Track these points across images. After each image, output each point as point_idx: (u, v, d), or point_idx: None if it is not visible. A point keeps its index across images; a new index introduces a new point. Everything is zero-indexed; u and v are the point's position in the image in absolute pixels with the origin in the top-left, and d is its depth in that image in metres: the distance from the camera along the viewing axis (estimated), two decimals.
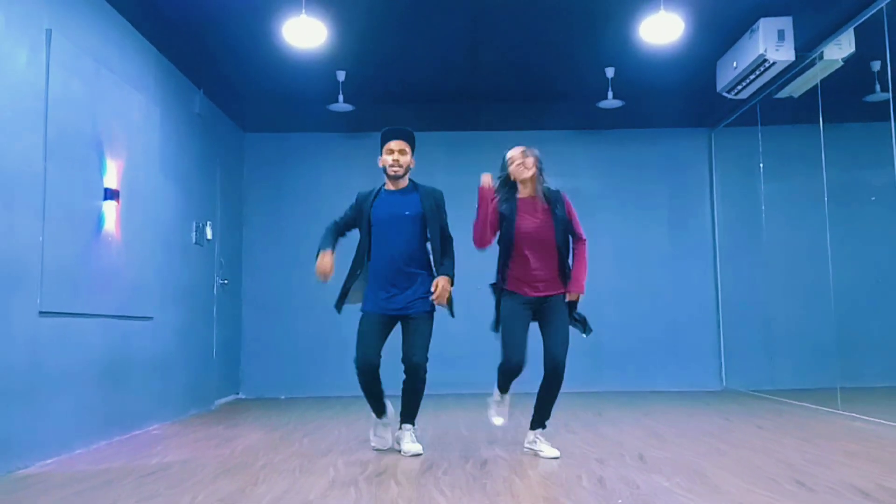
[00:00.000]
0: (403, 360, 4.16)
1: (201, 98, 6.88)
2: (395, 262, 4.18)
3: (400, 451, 4.24)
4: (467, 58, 6.58)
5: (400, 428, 4.31)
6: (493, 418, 4.30)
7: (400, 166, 4.23)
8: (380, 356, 4.15)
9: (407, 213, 4.22)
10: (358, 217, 4.32)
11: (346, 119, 7.68)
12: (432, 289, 4.15)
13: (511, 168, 4.09)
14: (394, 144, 4.24)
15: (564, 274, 4.12)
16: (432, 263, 4.29)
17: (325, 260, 4.15)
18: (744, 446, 4.34)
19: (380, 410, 4.35)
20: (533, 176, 4.09)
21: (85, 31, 4.74)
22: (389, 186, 4.32)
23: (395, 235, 4.20)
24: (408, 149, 4.28)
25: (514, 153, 4.11)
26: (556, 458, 4.01)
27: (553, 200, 4.10)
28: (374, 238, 4.24)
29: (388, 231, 4.22)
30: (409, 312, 4.17)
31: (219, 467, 3.90)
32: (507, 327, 4.06)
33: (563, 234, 4.10)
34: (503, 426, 4.41)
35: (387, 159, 4.25)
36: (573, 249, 4.17)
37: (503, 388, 4.21)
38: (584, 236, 4.17)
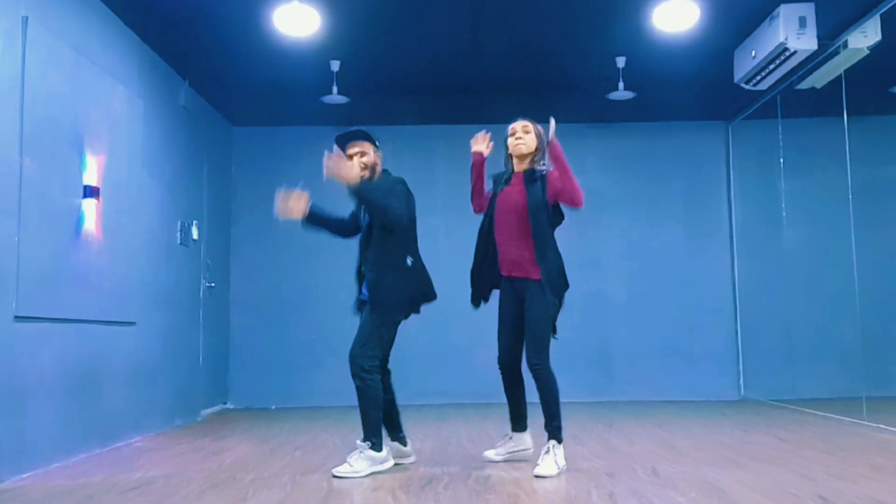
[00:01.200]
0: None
1: (187, 90, 6.88)
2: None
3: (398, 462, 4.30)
4: (469, 47, 6.58)
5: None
6: (487, 451, 4.37)
7: (364, 167, 4.25)
8: None
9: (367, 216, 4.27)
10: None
11: (340, 112, 7.68)
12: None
13: (508, 140, 4.17)
14: (350, 149, 4.29)
15: (543, 259, 4.01)
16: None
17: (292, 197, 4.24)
18: (763, 459, 4.34)
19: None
20: (531, 153, 4.14)
21: (63, 18, 4.74)
22: None
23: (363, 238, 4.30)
24: (368, 149, 4.29)
25: (515, 125, 4.19)
26: (545, 476, 3.86)
27: (532, 178, 4.08)
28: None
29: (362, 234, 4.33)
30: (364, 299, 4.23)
31: (205, 482, 3.90)
32: (499, 321, 4.23)
33: (537, 212, 4.01)
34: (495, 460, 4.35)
35: None
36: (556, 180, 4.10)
37: (508, 406, 4.26)
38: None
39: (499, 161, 4.34)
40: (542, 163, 4.15)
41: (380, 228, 4.15)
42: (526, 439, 4.30)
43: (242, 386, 8.17)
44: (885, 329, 7.12)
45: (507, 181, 4.16)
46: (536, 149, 4.15)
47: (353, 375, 4.07)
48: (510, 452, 4.29)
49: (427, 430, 5.84)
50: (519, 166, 4.17)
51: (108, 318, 5.19)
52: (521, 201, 4.06)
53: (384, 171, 4.35)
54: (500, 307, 4.21)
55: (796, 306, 7.87)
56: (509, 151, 4.18)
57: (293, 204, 4.24)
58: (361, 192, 4.07)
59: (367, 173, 4.25)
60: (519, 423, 4.28)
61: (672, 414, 6.81)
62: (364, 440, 4.06)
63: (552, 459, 3.94)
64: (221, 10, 5.74)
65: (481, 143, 4.28)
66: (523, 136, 4.13)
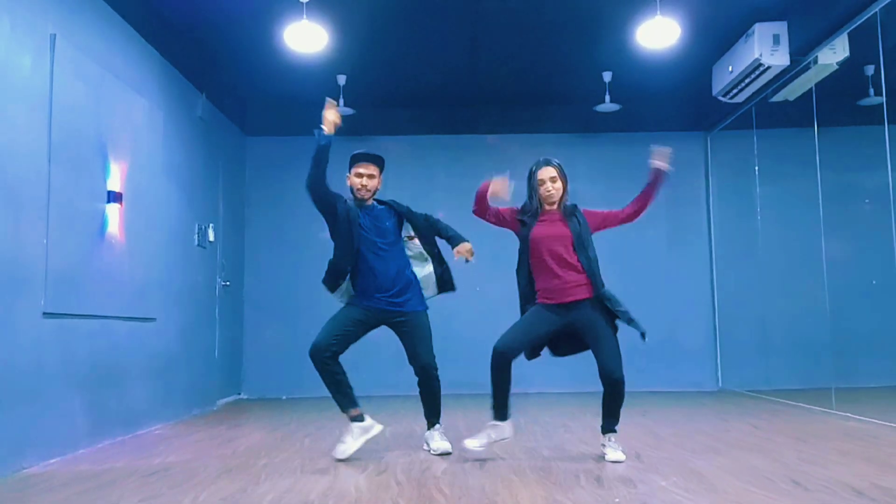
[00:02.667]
0: (413, 367, 4.23)
1: (204, 102, 6.88)
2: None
3: (430, 451, 4.28)
4: (467, 62, 6.59)
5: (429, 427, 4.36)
6: (469, 441, 4.04)
7: (368, 190, 4.25)
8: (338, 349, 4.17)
9: (387, 223, 4.26)
10: (336, 213, 4.25)
11: (346, 123, 7.62)
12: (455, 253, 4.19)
13: (541, 190, 4.04)
14: (363, 168, 4.26)
15: (594, 279, 4.04)
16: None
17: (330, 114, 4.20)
18: (740, 446, 4.34)
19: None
20: (561, 197, 4.08)
21: (89, 35, 4.74)
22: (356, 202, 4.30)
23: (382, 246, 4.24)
24: (377, 174, 4.29)
25: (542, 175, 4.04)
26: (620, 461, 3.89)
27: (570, 213, 4.09)
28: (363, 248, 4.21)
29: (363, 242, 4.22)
30: (397, 310, 4.21)
31: (220, 467, 3.90)
32: (520, 321, 4.04)
33: (581, 237, 4.03)
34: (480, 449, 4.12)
35: (355, 181, 4.26)
36: (632, 202, 4.19)
37: (492, 398, 4.03)
38: (629, 206, 4.17)
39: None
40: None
41: (402, 241, 4.25)
42: (508, 428, 4.11)
43: (255, 377, 8.16)
44: (852, 324, 7.10)
45: (536, 216, 4.05)
46: (564, 191, 4.10)
47: (435, 379, 4.22)
48: (493, 441, 4.08)
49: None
50: (549, 207, 4.09)
51: (129, 314, 5.18)
52: (565, 233, 4.01)
53: (375, 199, 4.34)
54: (532, 315, 4.01)
55: (770, 303, 7.87)
56: (540, 197, 4.05)
57: (334, 117, 4.20)
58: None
59: (368, 196, 4.25)
60: (505, 413, 4.09)
61: (655, 404, 6.80)
62: (440, 422, 4.31)
63: (618, 447, 4.02)
64: (236, 28, 5.74)
65: (502, 189, 4.00)
66: (551, 185, 4.03)
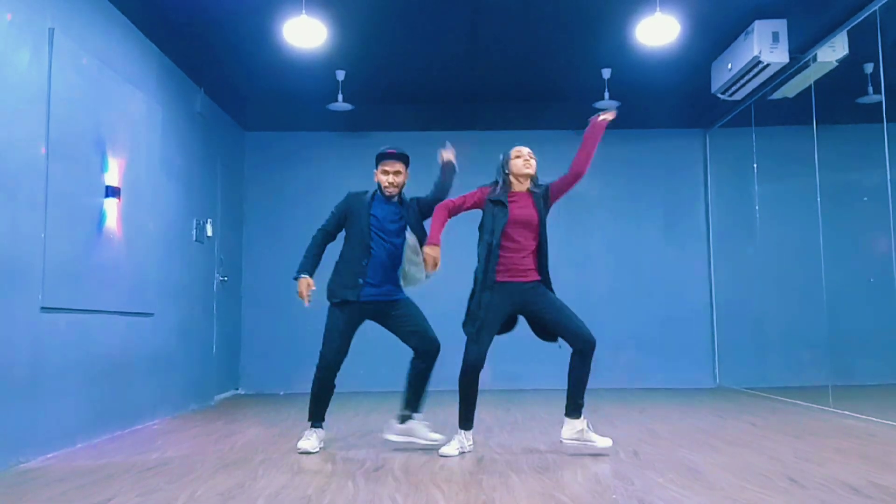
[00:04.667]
0: (418, 344, 4.25)
1: (202, 97, 6.87)
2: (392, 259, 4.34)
3: (418, 444, 4.24)
4: (465, 58, 6.58)
5: (412, 418, 4.30)
6: (446, 448, 4.04)
7: (395, 187, 4.35)
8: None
9: (397, 219, 4.35)
10: (350, 215, 4.37)
11: (345, 118, 7.67)
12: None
13: (519, 162, 4.15)
14: (388, 166, 4.34)
15: (542, 270, 4.11)
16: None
17: (302, 286, 4.33)
18: (737, 443, 4.35)
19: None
20: (532, 175, 4.19)
21: (87, 30, 4.73)
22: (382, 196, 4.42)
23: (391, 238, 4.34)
24: (403, 171, 4.41)
25: (522, 149, 4.21)
26: (610, 446, 3.98)
27: (541, 197, 4.18)
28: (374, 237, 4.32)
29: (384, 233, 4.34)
30: (392, 299, 4.30)
31: (218, 462, 3.90)
32: (484, 322, 3.99)
33: (545, 227, 4.14)
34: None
35: (382, 179, 4.35)
36: (575, 161, 4.25)
37: (462, 407, 4.06)
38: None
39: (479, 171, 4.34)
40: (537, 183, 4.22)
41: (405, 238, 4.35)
42: (471, 437, 4.15)
43: (253, 373, 8.16)
44: (850, 322, 7.12)
45: (506, 196, 4.11)
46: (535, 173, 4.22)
47: (435, 356, 4.26)
48: (464, 451, 4.06)
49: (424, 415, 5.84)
50: (519, 186, 4.17)
51: (127, 309, 5.18)
52: (534, 218, 4.09)
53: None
54: (489, 312, 4.00)
55: (768, 301, 7.88)
56: (513, 171, 4.15)
57: (305, 287, 4.36)
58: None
59: (396, 191, 4.35)
60: (472, 422, 4.11)
61: (652, 401, 6.81)
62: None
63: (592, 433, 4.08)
64: (235, 23, 5.73)
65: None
66: (530, 160, 4.18)
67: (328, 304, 4.40)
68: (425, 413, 4.37)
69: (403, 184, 4.40)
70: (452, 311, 4.53)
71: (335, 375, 4.29)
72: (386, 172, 4.34)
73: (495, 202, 4.11)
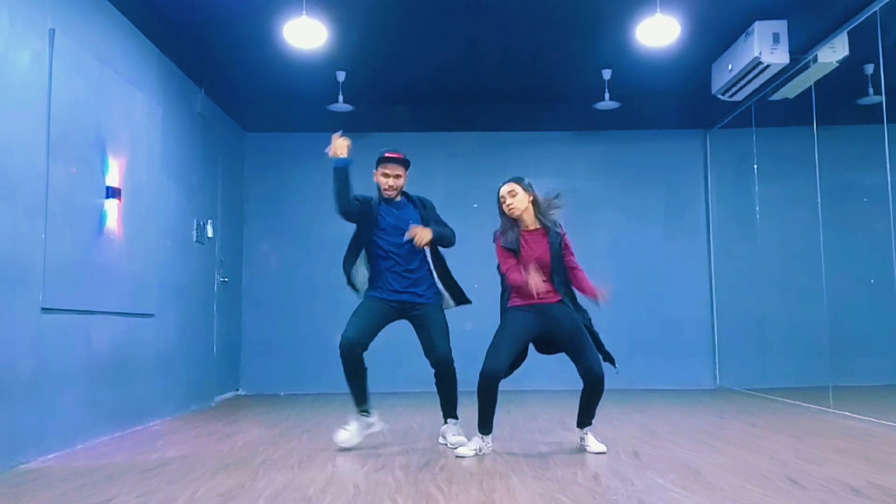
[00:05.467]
0: (428, 355, 4.33)
1: (203, 98, 6.87)
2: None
3: (447, 445, 4.38)
4: (466, 59, 6.59)
5: (445, 423, 4.47)
6: (462, 449, 4.10)
7: (394, 189, 4.37)
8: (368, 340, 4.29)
9: (410, 222, 4.35)
10: (363, 213, 4.38)
11: (345, 119, 7.67)
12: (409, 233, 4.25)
13: (504, 207, 4.12)
14: (389, 169, 4.36)
15: (562, 287, 4.12)
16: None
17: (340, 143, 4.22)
18: (737, 444, 4.35)
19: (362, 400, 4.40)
20: (527, 208, 4.11)
21: (88, 31, 4.73)
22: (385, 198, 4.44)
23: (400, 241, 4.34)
24: (403, 175, 4.42)
25: (502, 192, 4.14)
26: (603, 452, 4.06)
27: (552, 233, 4.12)
28: (380, 241, 4.34)
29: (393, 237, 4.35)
30: (417, 301, 4.33)
31: (218, 463, 3.90)
32: (501, 333, 4.06)
33: (558, 260, 4.11)
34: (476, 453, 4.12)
35: (382, 181, 4.37)
36: (572, 275, 4.20)
37: (480, 415, 4.07)
38: (578, 266, 4.22)
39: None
40: (550, 214, 4.14)
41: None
42: (490, 441, 4.19)
43: (253, 374, 8.16)
44: (850, 323, 7.12)
45: (517, 242, 4.05)
46: (531, 202, 4.12)
47: (451, 372, 4.34)
48: (483, 452, 4.10)
49: (426, 415, 5.85)
50: (525, 224, 4.12)
51: (128, 310, 5.18)
52: (546, 257, 4.07)
53: (404, 192, 4.46)
54: (511, 328, 4.05)
55: (768, 301, 7.88)
56: (507, 216, 4.12)
57: (343, 142, 4.24)
58: (437, 237, 4.29)
59: (395, 194, 4.37)
60: (491, 427, 4.14)
61: (652, 401, 6.81)
62: (457, 417, 4.44)
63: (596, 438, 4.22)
64: (235, 24, 5.74)
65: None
66: (511, 200, 4.08)
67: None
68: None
69: (402, 187, 4.43)
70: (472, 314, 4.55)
71: (360, 353, 4.24)
72: (386, 175, 4.36)
73: (509, 251, 4.09)
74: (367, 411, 4.39)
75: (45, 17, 4.21)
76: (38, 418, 4.05)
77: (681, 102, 7.67)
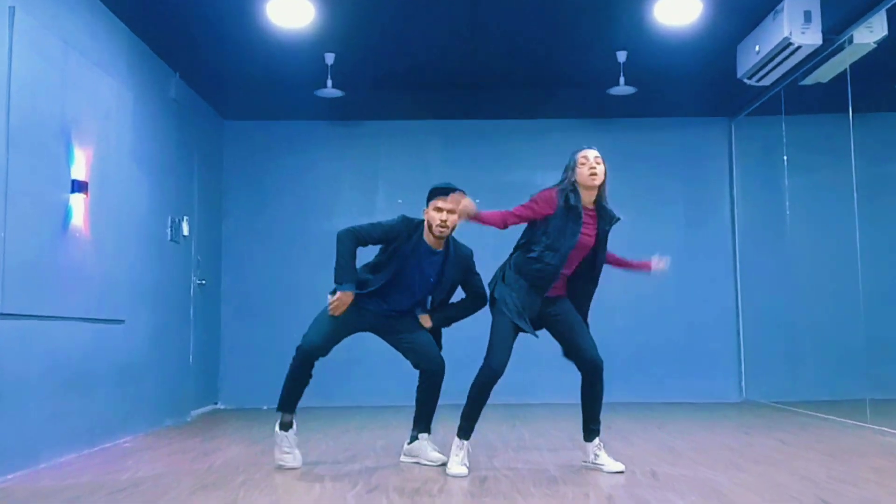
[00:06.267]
0: (420, 359, 4.38)
1: (177, 82, 6.87)
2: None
3: (421, 464, 4.38)
4: (466, 40, 6.58)
5: (417, 438, 4.46)
6: (455, 467, 4.06)
7: (448, 227, 4.25)
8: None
9: (431, 279, 4.36)
10: (387, 242, 4.33)
11: (334, 105, 7.67)
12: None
13: (584, 170, 4.07)
14: (443, 203, 4.22)
15: (585, 284, 4.30)
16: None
17: (347, 300, 4.24)
18: (765, 462, 4.36)
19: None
20: (603, 182, 4.14)
21: (52, 8, 4.73)
22: (429, 239, 4.31)
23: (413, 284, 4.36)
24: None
25: (587, 153, 4.11)
26: (622, 472, 4.05)
27: (604, 219, 4.22)
28: (395, 273, 4.30)
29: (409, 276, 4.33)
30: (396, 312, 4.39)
31: (195, 483, 3.90)
32: (501, 334, 4.06)
33: (602, 247, 4.25)
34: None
35: (434, 217, 4.24)
36: (611, 257, 4.41)
37: (469, 417, 4.13)
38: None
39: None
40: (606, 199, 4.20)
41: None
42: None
43: (233, 385, 8.17)
44: (889, 330, 7.13)
45: (579, 215, 4.06)
46: (604, 182, 4.16)
47: (441, 373, 4.39)
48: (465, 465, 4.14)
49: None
50: (587, 196, 4.11)
51: (95, 315, 5.19)
52: (588, 246, 4.16)
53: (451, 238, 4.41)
54: (508, 324, 4.06)
55: (799, 306, 7.89)
56: (578, 180, 4.07)
57: (346, 300, 4.25)
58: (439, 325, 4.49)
59: (447, 233, 4.26)
60: (472, 433, 4.19)
61: (672, 416, 6.82)
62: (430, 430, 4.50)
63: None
64: (213, 2, 5.73)
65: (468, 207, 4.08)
66: (596, 166, 4.07)
67: (318, 309, 4.45)
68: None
69: (455, 225, 4.25)
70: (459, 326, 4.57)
71: (316, 360, 4.37)
72: (439, 210, 4.20)
73: (570, 208, 4.04)
74: (290, 425, 4.46)
75: None
76: None
77: (703, 87, 7.68)
